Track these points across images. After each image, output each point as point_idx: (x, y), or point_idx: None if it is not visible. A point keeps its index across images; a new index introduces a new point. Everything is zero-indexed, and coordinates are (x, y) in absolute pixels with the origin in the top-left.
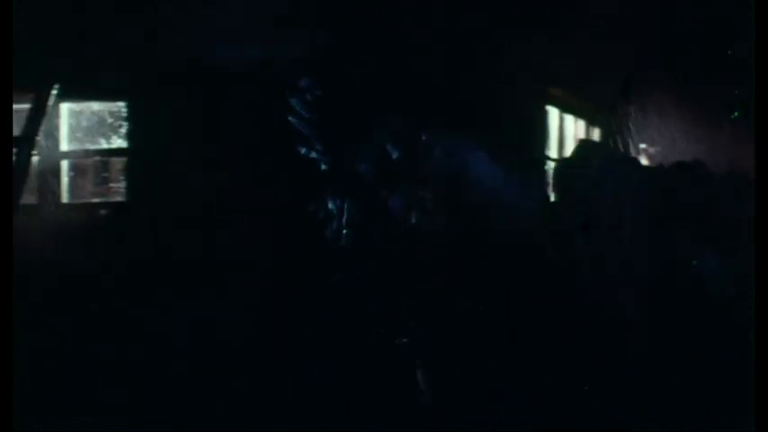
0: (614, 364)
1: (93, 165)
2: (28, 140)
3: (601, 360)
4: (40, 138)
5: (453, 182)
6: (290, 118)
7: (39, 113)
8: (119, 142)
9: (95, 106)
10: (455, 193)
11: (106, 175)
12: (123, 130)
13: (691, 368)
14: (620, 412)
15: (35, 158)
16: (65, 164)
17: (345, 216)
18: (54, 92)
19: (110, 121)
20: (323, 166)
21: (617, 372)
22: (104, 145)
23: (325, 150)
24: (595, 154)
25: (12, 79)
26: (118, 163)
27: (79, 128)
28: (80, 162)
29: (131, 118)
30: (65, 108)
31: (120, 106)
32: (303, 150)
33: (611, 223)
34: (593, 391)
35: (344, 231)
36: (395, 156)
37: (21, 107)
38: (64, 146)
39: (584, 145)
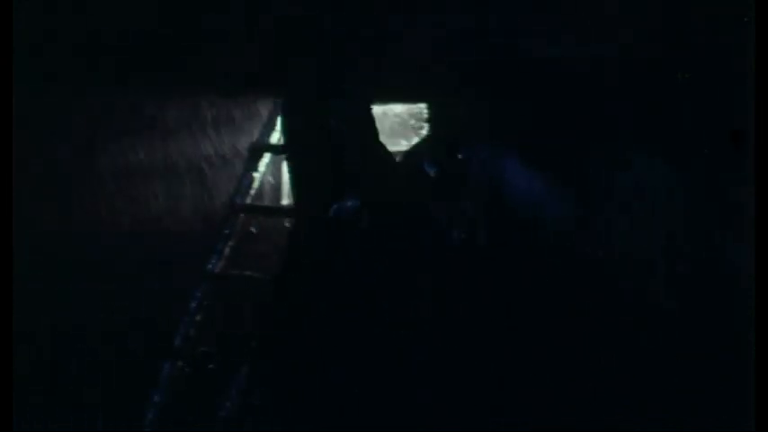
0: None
1: None
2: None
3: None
4: None
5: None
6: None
7: None
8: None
9: (397, 108)
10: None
11: None
12: (423, 131)
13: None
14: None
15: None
16: None
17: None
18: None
19: (411, 122)
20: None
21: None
22: (405, 146)
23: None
24: None
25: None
26: None
27: (382, 130)
28: None
29: (432, 119)
30: None
31: (422, 108)
32: None
33: None
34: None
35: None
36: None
37: None
38: None
39: None
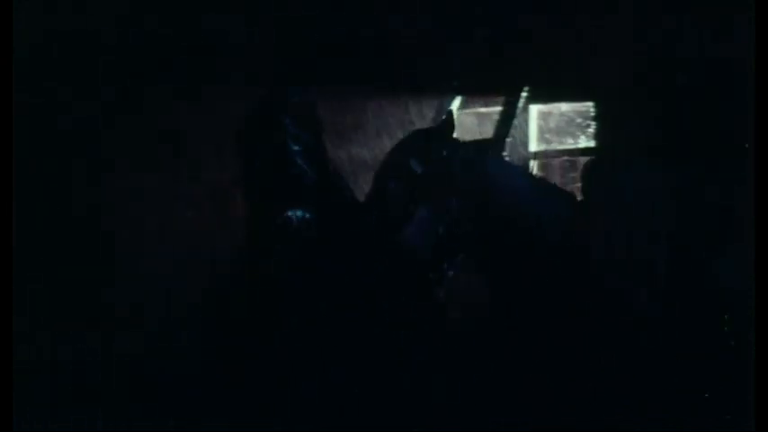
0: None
1: (560, 164)
2: (499, 142)
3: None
4: (510, 139)
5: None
6: None
7: (509, 116)
8: (586, 142)
9: (563, 107)
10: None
11: (574, 174)
12: (591, 130)
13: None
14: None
15: (506, 159)
16: (533, 164)
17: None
18: (524, 95)
19: (578, 120)
20: None
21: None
22: (572, 145)
23: None
24: None
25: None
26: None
27: (547, 128)
28: (548, 162)
29: (599, 117)
30: (534, 110)
31: (588, 106)
32: None
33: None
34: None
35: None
36: None
37: (491, 110)
38: (533, 146)
39: None
